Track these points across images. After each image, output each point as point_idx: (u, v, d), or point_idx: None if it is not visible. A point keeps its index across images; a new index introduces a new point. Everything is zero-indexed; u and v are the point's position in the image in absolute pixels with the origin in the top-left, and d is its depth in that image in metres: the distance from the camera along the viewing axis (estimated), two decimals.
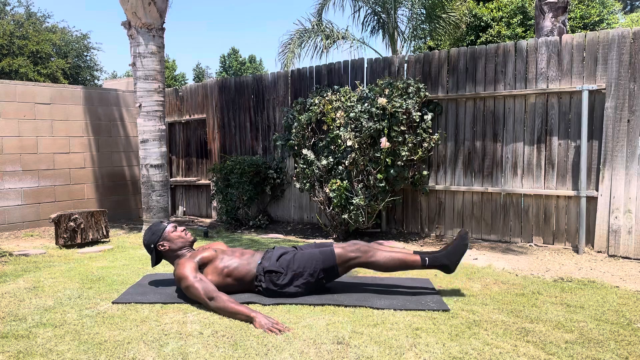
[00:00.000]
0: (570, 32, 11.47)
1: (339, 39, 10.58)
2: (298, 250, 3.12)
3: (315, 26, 10.49)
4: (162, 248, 3.08)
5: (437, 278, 3.58)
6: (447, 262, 3.01)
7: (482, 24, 13.35)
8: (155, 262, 3.15)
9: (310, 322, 2.57)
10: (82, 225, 5.28)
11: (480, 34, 13.41)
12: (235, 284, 3.00)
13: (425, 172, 5.45)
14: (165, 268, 3.95)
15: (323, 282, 3.02)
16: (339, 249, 3.02)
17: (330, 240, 5.52)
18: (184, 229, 3.19)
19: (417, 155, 5.28)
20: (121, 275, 3.69)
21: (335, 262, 2.99)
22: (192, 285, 2.79)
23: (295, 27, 10.88)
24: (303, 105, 6.21)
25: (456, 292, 3.18)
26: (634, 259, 4.41)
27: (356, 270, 3.85)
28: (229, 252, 3.10)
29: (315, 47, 10.57)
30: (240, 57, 34.14)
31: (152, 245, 3.09)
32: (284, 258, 3.03)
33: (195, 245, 3.58)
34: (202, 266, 2.95)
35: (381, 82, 5.47)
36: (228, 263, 3.01)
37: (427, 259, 3.00)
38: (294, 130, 6.11)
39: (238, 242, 5.32)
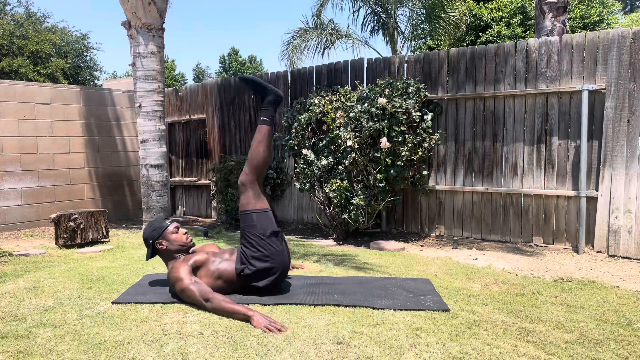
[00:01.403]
0: (570, 32, 11.47)
1: (340, 37, 10.59)
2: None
3: (317, 26, 10.51)
4: (160, 247, 3.07)
5: (437, 278, 3.58)
6: (268, 97, 3.23)
7: (482, 24, 13.35)
8: (150, 256, 3.15)
9: (310, 322, 2.57)
10: (82, 225, 5.28)
11: (480, 34, 13.41)
12: (225, 286, 2.99)
13: (425, 172, 5.45)
14: (165, 268, 3.94)
15: (273, 231, 3.01)
16: (240, 200, 3.11)
17: (331, 243, 5.52)
18: (186, 232, 3.17)
19: (417, 155, 5.28)
20: (121, 275, 3.69)
21: (249, 208, 3.03)
22: (187, 287, 2.78)
23: (297, 27, 10.88)
24: (303, 105, 6.21)
25: (456, 292, 3.18)
26: (634, 259, 4.41)
27: (356, 270, 3.85)
28: (219, 254, 3.09)
29: (317, 47, 10.59)
30: (240, 57, 34.14)
31: (151, 241, 3.09)
32: (239, 255, 3.04)
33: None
34: (195, 269, 2.94)
35: (381, 82, 5.47)
36: (219, 265, 3.00)
37: (263, 118, 3.21)
38: (293, 130, 6.11)
39: (238, 243, 5.32)
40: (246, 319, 2.57)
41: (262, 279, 2.97)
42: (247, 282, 2.99)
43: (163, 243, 3.07)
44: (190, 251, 3.15)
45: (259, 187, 3.12)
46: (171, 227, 3.11)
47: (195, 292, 2.76)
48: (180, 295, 2.86)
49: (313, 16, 10.92)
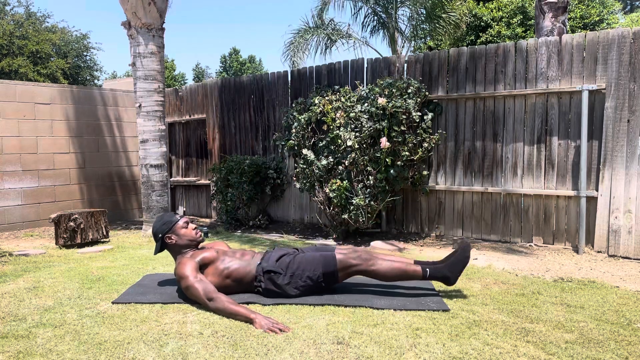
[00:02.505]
0: (570, 32, 11.47)
1: (341, 37, 10.60)
2: (299, 252, 3.12)
3: (318, 26, 10.52)
4: (169, 241, 3.08)
5: None
6: (448, 274, 2.98)
7: (482, 24, 13.35)
8: (158, 250, 3.16)
9: (310, 322, 2.57)
10: (82, 225, 5.28)
11: (480, 34, 13.41)
12: (234, 285, 3.00)
13: (425, 172, 5.45)
14: (165, 268, 3.95)
15: (322, 286, 3.01)
16: (341, 254, 3.01)
17: (332, 243, 5.52)
18: (195, 228, 3.18)
19: (417, 155, 5.28)
20: (121, 275, 3.69)
21: (336, 267, 2.98)
22: (192, 285, 2.78)
23: (298, 27, 10.89)
24: (303, 105, 6.21)
25: (456, 292, 3.18)
26: (634, 259, 4.41)
27: None
28: (229, 253, 3.10)
29: (318, 47, 10.60)
30: (241, 57, 34.16)
31: (160, 235, 3.09)
32: (284, 259, 3.02)
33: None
34: (202, 267, 2.95)
35: (381, 82, 5.47)
36: (228, 264, 3.01)
37: (428, 270, 2.98)
38: (294, 130, 6.11)
39: (238, 243, 5.32)
40: (248, 321, 2.57)
41: (273, 291, 2.97)
42: (266, 282, 2.98)
43: (172, 237, 3.08)
44: (199, 247, 3.16)
45: (354, 273, 3.03)
46: (181, 222, 3.13)
47: (199, 291, 2.76)
48: (184, 292, 2.87)
49: (313, 16, 10.93)
